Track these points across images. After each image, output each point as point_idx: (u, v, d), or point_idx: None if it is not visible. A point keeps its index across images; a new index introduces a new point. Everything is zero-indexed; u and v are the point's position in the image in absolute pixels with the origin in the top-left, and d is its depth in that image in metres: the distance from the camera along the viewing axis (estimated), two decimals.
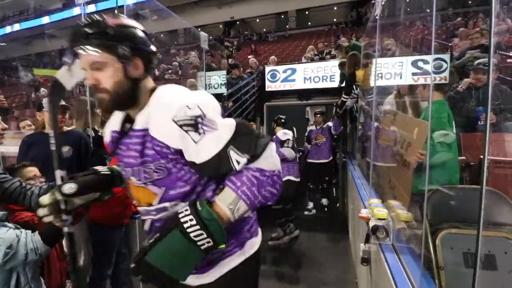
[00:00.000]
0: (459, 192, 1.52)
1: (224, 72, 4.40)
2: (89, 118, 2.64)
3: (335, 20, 15.26)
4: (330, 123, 4.38)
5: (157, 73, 8.79)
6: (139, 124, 0.78)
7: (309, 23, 16.22)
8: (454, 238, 1.28)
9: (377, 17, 2.11)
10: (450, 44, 4.84)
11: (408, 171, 1.32)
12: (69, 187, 0.82)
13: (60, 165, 0.86)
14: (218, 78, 4.13)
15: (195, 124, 0.72)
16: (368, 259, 1.68)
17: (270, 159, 0.76)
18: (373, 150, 2.08)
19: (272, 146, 0.78)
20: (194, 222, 0.69)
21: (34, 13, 17.78)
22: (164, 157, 0.76)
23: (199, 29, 4.24)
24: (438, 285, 1.17)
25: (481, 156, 1.87)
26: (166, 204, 0.81)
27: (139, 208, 0.88)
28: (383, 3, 2.10)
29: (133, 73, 0.78)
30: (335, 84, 5.15)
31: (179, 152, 0.76)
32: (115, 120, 0.90)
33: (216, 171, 0.76)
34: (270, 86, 5.74)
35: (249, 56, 8.60)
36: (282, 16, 16.66)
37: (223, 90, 4.22)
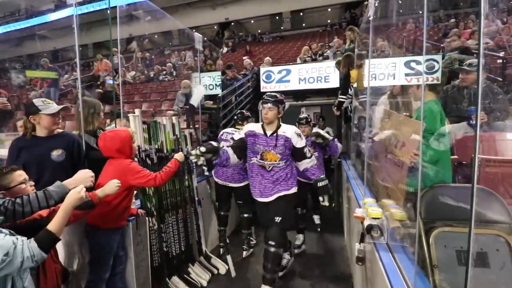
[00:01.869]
0: (452, 191, 1.54)
1: (219, 73, 4.39)
2: (81, 120, 2.61)
3: (329, 21, 15.37)
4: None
5: (151, 74, 8.74)
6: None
7: (304, 24, 16.31)
8: (447, 236, 1.29)
9: (370, 19, 2.13)
10: (442, 45, 4.91)
11: (402, 170, 1.34)
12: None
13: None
14: (213, 79, 4.13)
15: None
16: (363, 259, 1.69)
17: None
18: (367, 151, 2.10)
19: None
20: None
21: (26, 14, 17.54)
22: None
23: (194, 30, 4.23)
24: (432, 282, 1.18)
25: (473, 155, 1.89)
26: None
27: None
28: (376, 4, 2.12)
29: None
30: (330, 84, 5.18)
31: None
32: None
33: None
34: (265, 87, 5.75)
35: (244, 57, 8.61)
36: (277, 17, 16.71)
37: (218, 91, 4.22)
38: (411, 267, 1.15)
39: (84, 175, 1.44)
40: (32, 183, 1.43)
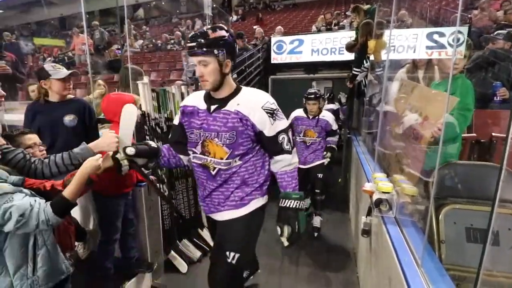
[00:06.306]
0: (466, 169, 1.50)
1: None
2: (91, 89, 2.61)
3: None
4: (327, 115, 3.02)
5: (159, 43, 8.53)
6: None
7: None
8: (457, 214, 1.28)
9: None
10: (469, 15, 4.55)
11: (422, 145, 1.30)
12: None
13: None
14: None
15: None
16: (369, 231, 1.72)
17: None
18: (380, 126, 2.04)
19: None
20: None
21: None
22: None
23: None
24: (438, 257, 1.19)
25: (492, 133, 1.81)
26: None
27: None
28: None
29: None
30: (344, 57, 4.95)
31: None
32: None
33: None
34: (275, 58, 5.55)
35: (255, 26, 8.24)
36: None
37: None
38: (418, 240, 1.16)
39: (109, 140, 1.29)
40: (43, 148, 1.45)
